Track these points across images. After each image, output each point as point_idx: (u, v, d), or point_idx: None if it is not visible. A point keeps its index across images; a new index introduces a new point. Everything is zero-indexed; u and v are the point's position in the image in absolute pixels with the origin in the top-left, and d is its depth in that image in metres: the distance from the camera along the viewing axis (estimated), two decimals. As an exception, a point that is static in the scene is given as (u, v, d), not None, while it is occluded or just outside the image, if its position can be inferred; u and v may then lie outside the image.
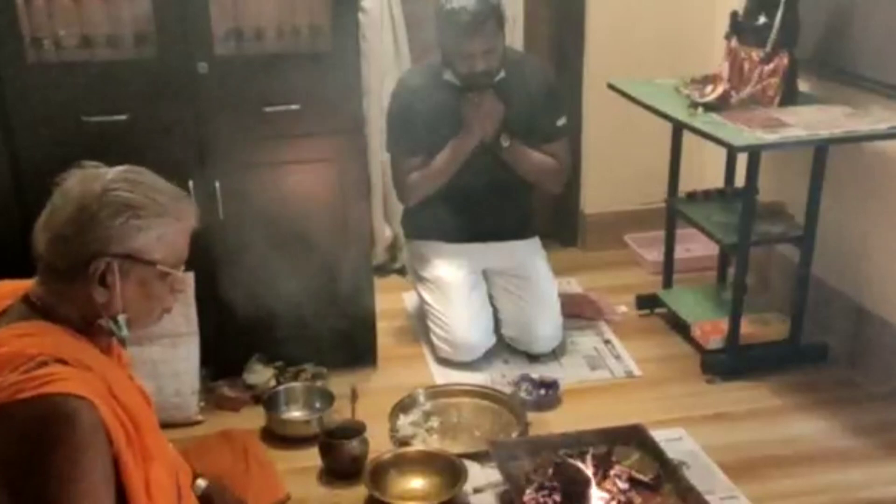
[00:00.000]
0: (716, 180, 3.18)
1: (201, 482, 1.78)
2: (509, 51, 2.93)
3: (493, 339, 2.96)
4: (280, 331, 2.72)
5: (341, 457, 2.36)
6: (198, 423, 2.58)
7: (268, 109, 2.56)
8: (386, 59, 3.32)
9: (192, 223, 1.51)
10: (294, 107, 2.57)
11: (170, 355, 2.56)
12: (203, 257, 2.57)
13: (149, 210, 1.42)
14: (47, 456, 1.30)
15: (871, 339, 2.84)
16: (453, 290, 2.93)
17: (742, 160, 2.83)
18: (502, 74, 2.81)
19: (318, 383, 2.72)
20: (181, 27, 2.46)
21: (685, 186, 3.14)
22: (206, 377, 2.70)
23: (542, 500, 2.13)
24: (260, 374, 2.72)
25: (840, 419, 2.59)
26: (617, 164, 3.68)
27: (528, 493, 2.16)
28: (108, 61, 2.48)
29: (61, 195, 1.42)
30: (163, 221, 1.44)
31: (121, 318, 1.43)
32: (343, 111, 2.63)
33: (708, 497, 2.16)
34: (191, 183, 2.53)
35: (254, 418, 2.59)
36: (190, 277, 2.58)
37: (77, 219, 1.39)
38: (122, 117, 2.46)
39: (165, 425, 2.43)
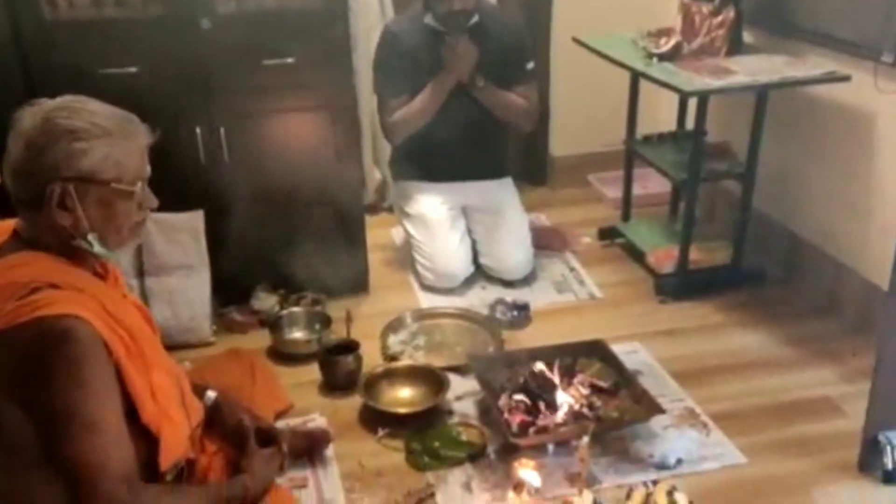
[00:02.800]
0: (669, 124, 3.16)
1: (211, 393, 1.76)
2: (483, 1, 2.88)
3: (471, 268, 2.96)
4: (282, 262, 2.71)
5: (339, 371, 2.37)
6: (211, 344, 2.58)
7: (266, 62, 2.50)
8: (372, 16, 3.25)
9: (142, 141, 1.44)
10: (289, 60, 2.51)
11: (184, 285, 2.55)
12: (212, 197, 2.57)
13: (90, 132, 1.36)
14: (51, 371, 1.29)
15: (803, 263, 2.86)
16: (436, 224, 2.92)
17: (692, 105, 2.81)
18: (476, 19, 2.76)
19: (317, 308, 2.71)
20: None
21: (642, 130, 3.12)
22: (218, 304, 2.69)
23: (514, 404, 2.16)
24: (265, 301, 2.72)
25: (775, 332, 2.62)
26: (581, 110, 3.64)
27: (503, 399, 2.18)
28: (119, 18, 2.41)
29: (13, 133, 1.38)
30: (107, 142, 1.38)
31: (90, 236, 1.40)
32: (334, 63, 2.58)
33: (659, 400, 2.18)
34: (198, 129, 2.51)
35: (260, 339, 2.59)
36: (200, 215, 2.57)
37: (27, 151, 1.35)
38: (133, 69, 2.40)
39: (182, 346, 2.48)
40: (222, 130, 2.53)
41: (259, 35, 2.49)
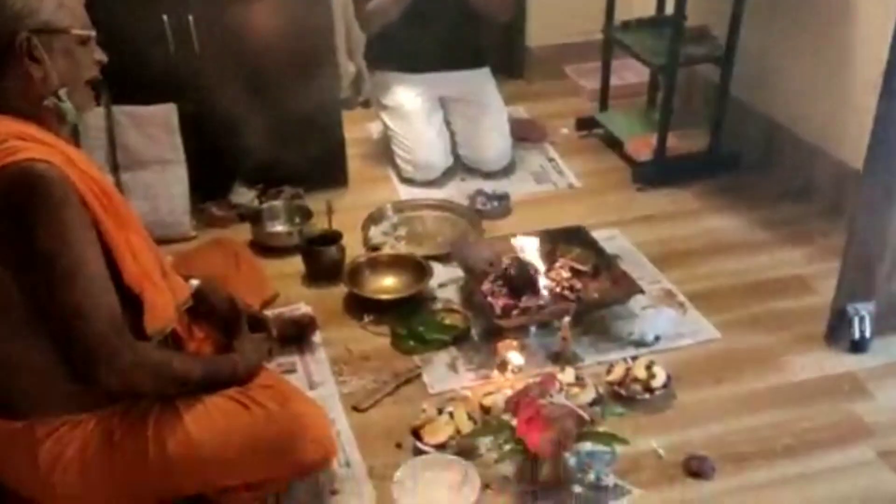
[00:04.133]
0: (648, 9, 3.10)
1: (194, 281, 1.74)
2: None
3: (450, 160, 2.95)
4: (260, 156, 2.66)
5: (322, 261, 2.38)
6: (192, 238, 2.57)
7: (234, -55, 2.41)
8: None
9: None
10: (259, -57, 2.42)
11: (160, 179, 2.52)
12: (184, 89, 2.51)
13: None
14: (27, 215, 1.28)
15: (779, 148, 2.89)
16: (413, 115, 2.89)
17: (672, -13, 2.76)
18: None
19: (297, 202, 2.70)
20: None
21: (620, 16, 3.06)
22: (197, 199, 2.66)
23: (496, 288, 2.20)
24: (244, 195, 2.70)
25: (750, 216, 2.67)
26: (558, -1, 3.56)
27: (486, 284, 2.22)
28: None
29: None
30: None
31: (61, 92, 1.39)
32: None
33: (639, 282, 2.23)
34: (165, 17, 2.42)
35: (241, 233, 2.58)
36: (172, 108, 2.51)
37: None
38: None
39: (162, 241, 2.43)
40: (190, 18, 2.44)
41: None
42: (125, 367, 1.37)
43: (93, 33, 1.43)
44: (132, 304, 1.42)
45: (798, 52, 2.76)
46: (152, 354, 1.45)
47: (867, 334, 2.03)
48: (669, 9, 2.85)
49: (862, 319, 2.02)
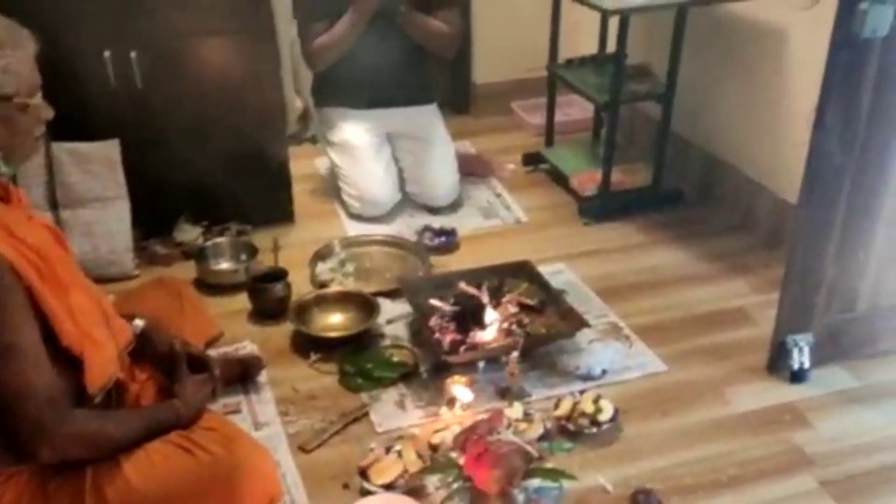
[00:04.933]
0: (591, 48, 3.18)
1: (139, 322, 1.70)
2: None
3: (398, 196, 2.96)
4: (205, 193, 2.64)
5: (268, 299, 2.36)
6: (134, 277, 2.53)
7: (180, -18, 2.40)
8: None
9: (31, 49, 1.39)
10: (205, -21, 2.42)
11: (102, 216, 2.46)
12: (127, 125, 2.47)
13: None
14: None
15: (720, 182, 2.97)
16: (361, 151, 2.89)
17: (613, 27, 2.83)
18: None
19: (243, 238, 2.68)
20: None
21: (564, 55, 3.13)
22: (139, 236, 2.62)
23: (445, 324, 2.20)
24: (188, 232, 2.66)
25: (693, 250, 2.73)
26: (504, 36, 3.63)
27: (434, 320, 2.22)
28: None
29: None
30: (2, 54, 1.32)
31: None
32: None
33: (584, 315, 2.25)
34: (107, 53, 2.40)
35: (185, 271, 2.54)
36: (115, 144, 2.47)
37: None
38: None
39: (104, 280, 2.41)
40: (133, 55, 2.42)
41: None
42: (61, 444, 1.36)
43: (37, 100, 1.38)
44: (73, 364, 1.40)
45: (735, 89, 2.86)
46: (89, 425, 1.41)
47: (806, 365, 2.08)
48: (611, 47, 2.92)
49: (801, 350, 2.07)
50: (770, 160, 2.73)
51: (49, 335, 1.36)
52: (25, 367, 1.31)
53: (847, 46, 1.67)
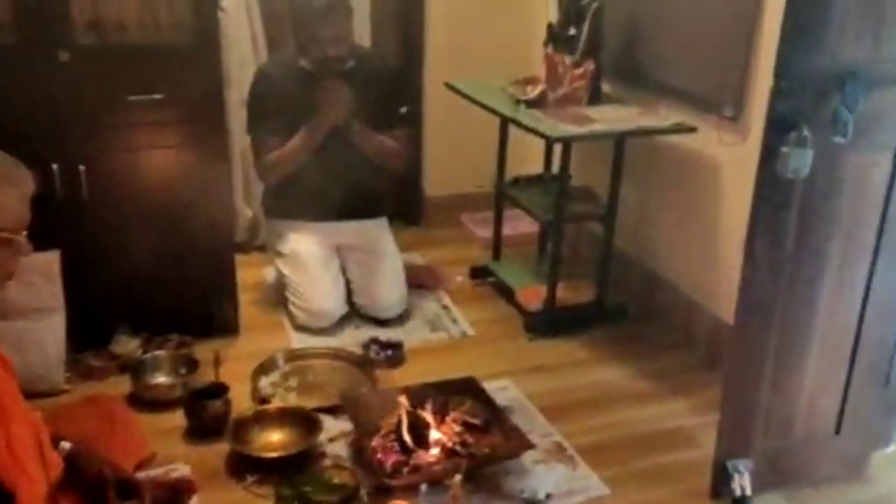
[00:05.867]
0: (537, 167, 3.29)
1: (65, 444, 1.66)
2: (358, 46, 2.93)
3: (345, 308, 2.95)
4: (145, 303, 2.61)
5: (205, 416, 2.29)
6: (64, 392, 2.43)
7: (131, 98, 2.43)
8: (244, 51, 3.22)
9: (29, 189, 1.42)
10: (157, 96, 2.45)
11: (35, 328, 2.39)
12: (69, 236, 2.44)
13: None
14: None
15: (661, 300, 3.04)
16: (309, 263, 2.90)
17: (558, 150, 2.94)
18: (352, 63, 2.79)
19: (183, 351, 2.61)
20: (41, 15, 2.28)
21: (511, 172, 3.24)
22: (74, 349, 2.54)
23: (388, 444, 2.16)
24: (126, 345, 2.59)
25: (635, 367, 2.75)
26: (454, 153, 3.74)
27: (376, 439, 2.17)
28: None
29: None
30: None
31: None
32: (205, 100, 2.53)
33: (529, 435, 2.24)
34: (55, 166, 2.39)
35: (120, 386, 2.46)
36: (56, 255, 2.43)
37: None
38: (-17, 102, 2.27)
39: (32, 395, 2.28)
40: (82, 168, 2.42)
41: (124, 70, 2.42)
42: None
43: (20, 237, 1.38)
44: (2, 497, 1.33)
45: (673, 211, 2.97)
46: None
47: (748, 492, 2.08)
48: (556, 167, 3.03)
49: (742, 476, 2.07)
50: (707, 280, 2.82)
51: None
52: None
53: (771, 185, 1.76)
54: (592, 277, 3.09)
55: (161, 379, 2.52)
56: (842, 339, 2.04)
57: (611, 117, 2.76)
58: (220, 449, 2.22)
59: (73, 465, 1.65)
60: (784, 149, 1.68)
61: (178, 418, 2.32)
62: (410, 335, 2.89)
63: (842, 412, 2.12)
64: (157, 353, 2.58)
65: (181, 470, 2.14)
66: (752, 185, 1.85)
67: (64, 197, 2.42)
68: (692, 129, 2.71)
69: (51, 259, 2.41)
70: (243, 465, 2.16)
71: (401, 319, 2.99)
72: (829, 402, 2.11)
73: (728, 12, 2.56)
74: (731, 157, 2.64)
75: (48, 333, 2.42)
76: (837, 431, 2.15)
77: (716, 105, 2.62)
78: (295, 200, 2.90)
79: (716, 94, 2.62)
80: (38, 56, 2.31)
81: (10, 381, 1.47)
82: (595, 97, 2.90)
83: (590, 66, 2.84)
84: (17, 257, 1.41)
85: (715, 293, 2.77)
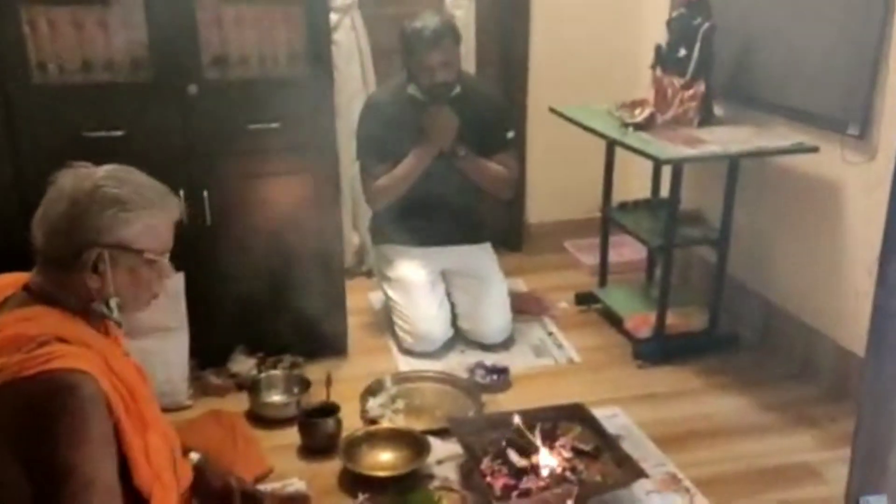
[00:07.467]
0: (643, 192, 3.25)
1: (194, 455, 1.75)
2: (465, 73, 2.99)
3: (451, 332, 2.98)
4: (261, 325, 2.72)
5: (318, 434, 2.35)
6: (187, 407, 2.55)
7: (251, 127, 2.56)
8: (354, 85, 3.35)
9: (176, 215, 1.50)
10: (274, 125, 2.57)
11: (160, 347, 2.52)
12: (192, 259, 2.57)
13: (136, 203, 1.41)
14: (53, 425, 1.28)
15: (777, 329, 2.93)
16: (416, 288, 2.95)
17: (666, 173, 2.90)
18: (458, 90, 2.85)
19: (296, 371, 2.70)
20: (173, 53, 2.45)
21: (617, 198, 3.21)
22: (195, 367, 2.67)
23: (496, 467, 2.15)
24: (243, 364, 2.70)
25: (750, 398, 2.66)
26: (557, 178, 3.74)
27: (485, 462, 2.17)
28: (107, 83, 2.45)
29: (55, 192, 1.41)
30: (149, 213, 1.43)
31: (112, 301, 1.42)
32: (317, 129, 2.64)
33: (642, 465, 2.18)
34: (181, 192, 2.53)
35: (238, 403, 2.57)
36: (180, 277, 2.57)
37: (70, 213, 1.38)
38: (120, 133, 2.44)
39: None
40: (205, 194, 2.56)
41: (245, 101, 2.55)
42: None
43: (163, 259, 1.48)
44: (137, 501, 1.41)
45: (791, 236, 2.87)
46: None
47: (881, 529, 1.96)
48: (663, 192, 2.99)
49: (875, 512, 1.96)
50: (831, 309, 2.69)
51: (123, 472, 1.37)
52: (101, 503, 1.31)
53: (907, 202, 1.67)
54: (703, 304, 3.01)
55: (276, 397, 2.61)
56: (985, 369, 1.91)
57: (724, 138, 2.71)
58: (333, 466, 2.28)
59: (202, 475, 1.73)
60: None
61: (291, 435, 2.39)
62: (515, 360, 2.89)
63: None
64: (272, 372, 2.68)
65: (297, 485, 2.20)
66: (881, 205, 1.77)
67: (189, 221, 2.56)
68: (814, 149, 2.62)
69: (176, 280, 2.55)
70: (355, 483, 2.20)
71: (505, 345, 2.99)
72: (971, 437, 1.98)
73: (852, 28, 2.47)
74: (856, 176, 2.54)
75: (173, 352, 2.55)
76: (981, 469, 2.01)
77: (839, 123, 2.53)
78: (401, 226, 2.96)
79: (839, 112, 2.53)
80: (171, 90, 2.47)
81: (148, 392, 1.55)
82: (706, 119, 2.85)
83: (700, 87, 2.80)
84: (161, 279, 1.51)
85: (839, 322, 2.64)
